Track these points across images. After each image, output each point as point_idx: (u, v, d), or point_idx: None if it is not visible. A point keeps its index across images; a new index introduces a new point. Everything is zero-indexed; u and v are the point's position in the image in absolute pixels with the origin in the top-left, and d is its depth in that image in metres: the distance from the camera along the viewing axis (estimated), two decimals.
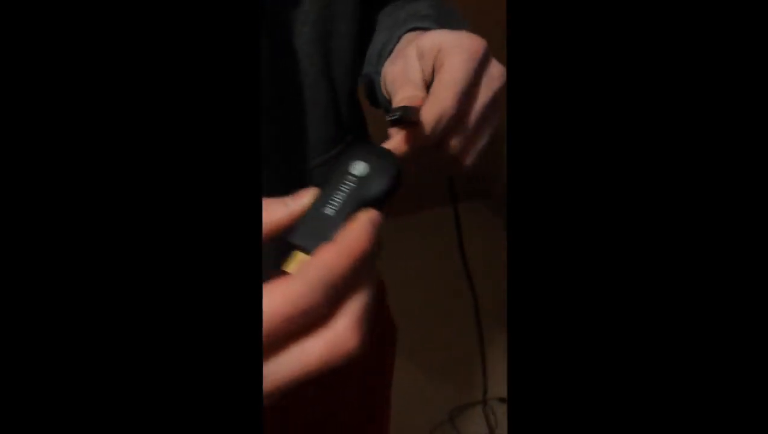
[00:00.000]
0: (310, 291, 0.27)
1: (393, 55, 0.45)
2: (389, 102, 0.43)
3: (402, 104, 0.38)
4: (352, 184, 0.33)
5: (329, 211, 0.32)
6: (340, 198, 0.32)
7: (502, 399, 1.46)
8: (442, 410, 1.46)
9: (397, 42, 0.48)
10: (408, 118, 0.36)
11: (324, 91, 0.50)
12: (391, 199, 0.33)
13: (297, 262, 0.30)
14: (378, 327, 0.71)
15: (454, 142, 0.40)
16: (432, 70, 0.40)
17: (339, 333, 0.28)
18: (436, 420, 1.44)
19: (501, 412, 1.46)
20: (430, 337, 1.57)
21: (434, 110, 0.37)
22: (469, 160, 0.41)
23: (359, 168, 0.33)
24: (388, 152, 0.35)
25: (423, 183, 1.41)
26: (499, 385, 1.49)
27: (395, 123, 0.36)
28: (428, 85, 0.40)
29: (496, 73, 0.40)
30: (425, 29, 0.47)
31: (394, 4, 0.55)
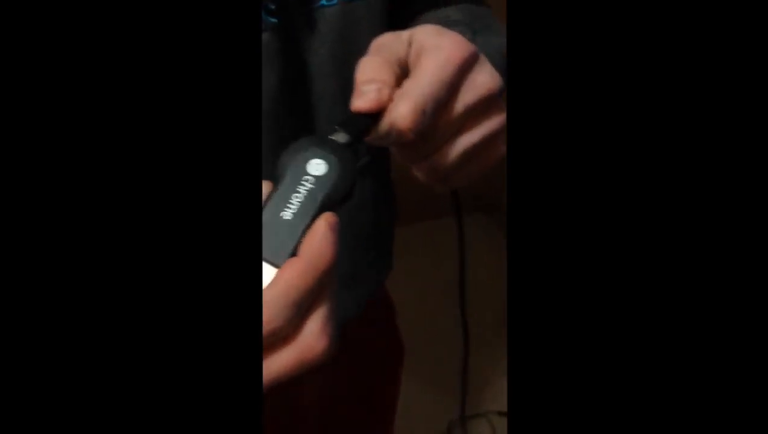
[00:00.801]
0: (279, 312, 0.28)
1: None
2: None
3: (361, 87, 0.35)
4: (309, 185, 0.31)
5: (287, 215, 0.31)
6: (298, 200, 0.31)
7: (501, 413, 1.45)
8: (440, 422, 1.45)
9: None
10: (356, 138, 0.34)
11: (339, 113, 0.49)
12: (349, 199, 0.32)
13: None
14: (385, 347, 0.70)
15: (415, 158, 0.37)
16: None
17: (307, 341, 0.29)
18: (434, 432, 1.43)
19: (500, 426, 1.46)
20: (428, 349, 1.56)
21: (385, 121, 0.34)
22: (436, 177, 0.38)
23: (317, 167, 0.32)
24: (346, 148, 0.33)
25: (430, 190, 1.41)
26: (498, 399, 1.48)
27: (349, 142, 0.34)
28: (403, 70, 0.37)
29: (480, 81, 0.36)
30: None
31: (426, 14, 0.52)
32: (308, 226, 0.30)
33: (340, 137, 0.33)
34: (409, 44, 0.37)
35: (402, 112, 0.33)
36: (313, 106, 0.48)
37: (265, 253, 0.30)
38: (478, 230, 1.91)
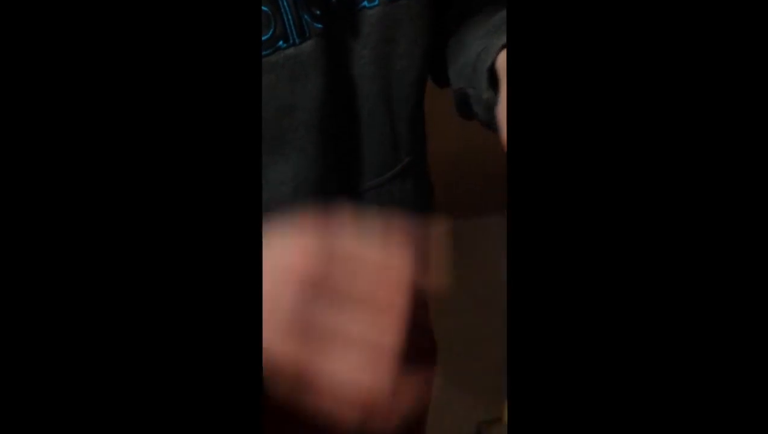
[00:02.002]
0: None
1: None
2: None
3: None
4: None
5: None
6: None
7: None
8: (469, 423, 1.45)
9: (497, 53, 0.46)
10: None
11: (382, 114, 0.50)
12: None
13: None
14: (419, 346, 0.70)
15: None
16: None
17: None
18: (463, 433, 1.43)
19: None
20: (457, 349, 1.56)
21: None
22: None
23: None
24: None
25: (463, 190, 1.40)
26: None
27: None
28: None
29: None
30: None
31: (483, 17, 0.51)
32: None
33: None
34: None
35: None
36: (356, 108, 0.49)
37: None
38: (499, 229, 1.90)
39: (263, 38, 0.42)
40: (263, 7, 0.42)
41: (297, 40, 0.43)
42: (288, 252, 0.31)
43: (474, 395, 1.50)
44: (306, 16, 0.44)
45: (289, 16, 0.43)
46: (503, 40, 0.46)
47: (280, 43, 0.43)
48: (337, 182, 0.49)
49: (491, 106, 0.46)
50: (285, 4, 0.43)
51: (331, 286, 0.31)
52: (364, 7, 0.47)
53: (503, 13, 0.49)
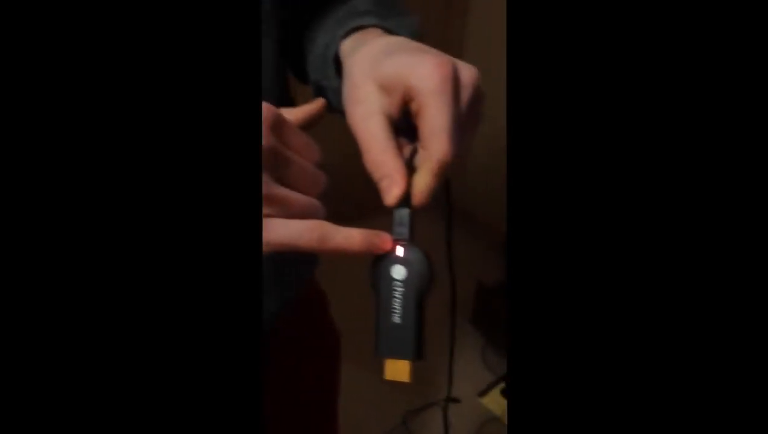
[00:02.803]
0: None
1: (346, 79, 0.42)
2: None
3: (380, 184, 0.38)
4: (401, 289, 0.39)
5: (396, 319, 0.38)
6: (398, 304, 0.38)
7: (454, 400, 1.48)
8: (395, 414, 1.46)
9: (340, 43, 0.47)
10: (411, 231, 0.39)
11: None
12: (434, 277, 0.39)
13: (394, 368, 0.39)
14: (319, 342, 0.70)
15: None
16: (401, 106, 0.38)
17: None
18: (389, 424, 1.45)
19: (452, 412, 1.48)
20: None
21: (432, 167, 0.37)
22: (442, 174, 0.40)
23: (400, 272, 0.39)
24: (411, 244, 0.39)
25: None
26: (444, 387, 1.49)
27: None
28: (397, 125, 0.38)
29: (467, 82, 0.38)
30: (366, 26, 0.46)
31: (334, 8, 0.52)
32: (416, 324, 0.38)
33: (402, 236, 0.39)
34: (386, 90, 0.38)
35: (439, 151, 0.36)
36: None
37: (390, 352, 0.39)
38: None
39: None
40: None
41: None
42: None
43: (398, 385, 1.51)
44: None
45: None
46: (345, 28, 0.47)
47: None
48: None
49: (337, 93, 0.47)
50: None
51: None
52: None
53: (350, 4, 0.51)
